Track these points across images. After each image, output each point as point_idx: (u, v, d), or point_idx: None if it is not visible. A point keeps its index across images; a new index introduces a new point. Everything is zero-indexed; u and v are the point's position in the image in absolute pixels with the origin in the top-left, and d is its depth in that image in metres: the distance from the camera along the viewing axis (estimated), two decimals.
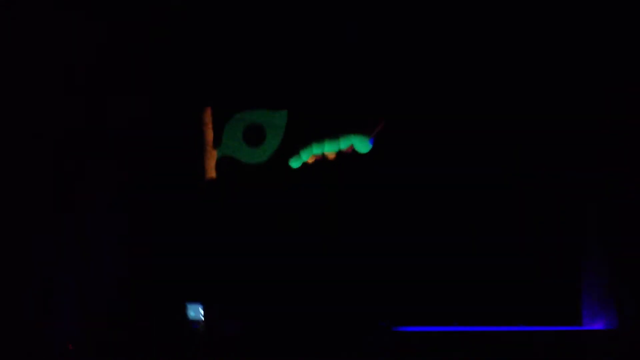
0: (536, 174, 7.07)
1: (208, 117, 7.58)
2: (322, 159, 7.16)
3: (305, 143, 7.13)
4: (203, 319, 7.35)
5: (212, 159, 7.59)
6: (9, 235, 7.04)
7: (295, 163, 7.26)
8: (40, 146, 7.24)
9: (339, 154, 7.13)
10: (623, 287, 6.67)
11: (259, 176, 7.49)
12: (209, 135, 7.59)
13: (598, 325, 6.75)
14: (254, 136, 7.56)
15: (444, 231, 7.17)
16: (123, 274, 7.49)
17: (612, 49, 6.79)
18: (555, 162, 7.05)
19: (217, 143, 7.59)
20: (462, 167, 7.06)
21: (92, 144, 7.41)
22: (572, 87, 6.97)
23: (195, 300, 7.41)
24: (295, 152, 7.23)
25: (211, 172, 7.58)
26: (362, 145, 7.10)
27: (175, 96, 7.51)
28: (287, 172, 7.43)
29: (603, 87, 6.84)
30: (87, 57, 7.40)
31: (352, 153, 7.13)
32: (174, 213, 7.47)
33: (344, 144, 7.08)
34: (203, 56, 7.51)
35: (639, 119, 6.70)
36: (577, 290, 6.96)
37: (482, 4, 7.01)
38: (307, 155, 7.16)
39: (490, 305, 7.06)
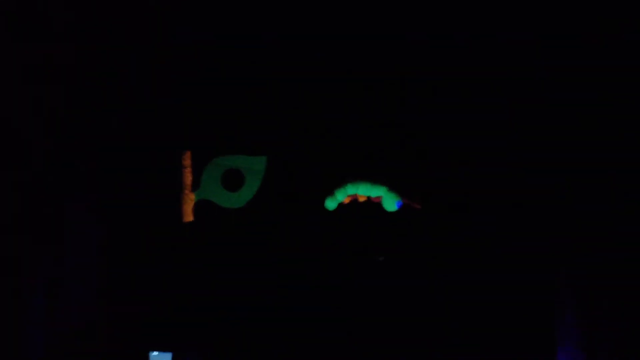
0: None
1: (187, 160, 7.52)
2: (355, 200, 7.19)
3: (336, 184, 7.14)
4: None
5: (190, 202, 7.52)
6: None
7: (331, 204, 7.23)
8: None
9: (369, 200, 7.17)
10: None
11: (237, 221, 7.49)
12: (188, 178, 7.52)
13: None
14: (233, 181, 7.55)
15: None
16: (92, 318, 7.29)
17: None
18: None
19: (195, 186, 7.53)
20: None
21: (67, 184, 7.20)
22: None
23: (164, 349, 7.32)
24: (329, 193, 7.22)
25: (188, 216, 7.52)
26: (389, 202, 7.15)
27: (155, 139, 7.40)
28: (264, 218, 7.48)
29: None
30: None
31: (378, 205, 7.17)
32: (150, 255, 7.36)
33: (375, 192, 7.12)
34: (184, 99, 7.44)
35: None
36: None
37: None
38: (343, 196, 7.16)
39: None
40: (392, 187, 7.10)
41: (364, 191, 7.13)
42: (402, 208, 7.09)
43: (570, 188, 6.90)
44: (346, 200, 7.20)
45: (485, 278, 7.16)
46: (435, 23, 7.08)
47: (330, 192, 7.29)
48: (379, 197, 7.14)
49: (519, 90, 7.09)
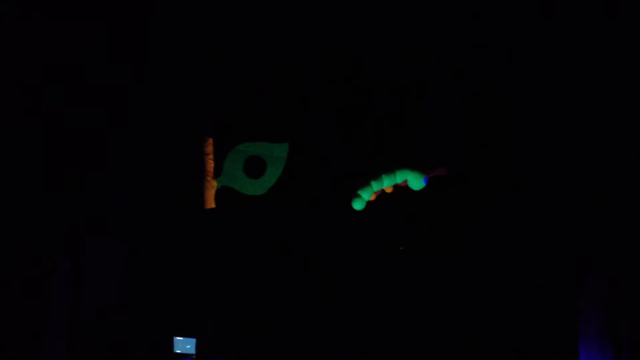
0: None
1: (210, 147, 7.53)
2: (381, 194, 7.14)
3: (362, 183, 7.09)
4: (195, 354, 7.25)
5: (212, 189, 7.52)
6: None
7: (358, 205, 7.14)
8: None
9: (396, 187, 7.12)
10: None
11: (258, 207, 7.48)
12: (210, 165, 7.53)
13: None
14: (255, 168, 7.54)
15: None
16: (117, 303, 7.31)
17: None
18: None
19: (217, 173, 7.53)
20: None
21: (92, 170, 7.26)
22: None
23: (187, 334, 7.30)
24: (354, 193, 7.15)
25: (211, 203, 7.51)
26: (416, 182, 7.10)
27: (178, 127, 7.41)
28: (285, 204, 7.47)
29: None
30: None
31: (406, 187, 7.11)
32: (172, 243, 7.36)
33: (400, 177, 7.07)
34: (207, 87, 7.45)
35: None
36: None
37: None
38: (369, 195, 7.11)
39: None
40: (414, 167, 7.04)
41: (388, 182, 7.06)
42: (429, 182, 7.02)
43: (596, 188, 6.77)
44: (372, 198, 7.15)
45: (509, 277, 7.07)
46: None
47: (351, 181, 7.23)
48: (404, 181, 7.08)
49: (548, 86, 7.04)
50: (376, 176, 7.03)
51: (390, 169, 7.04)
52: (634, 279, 6.71)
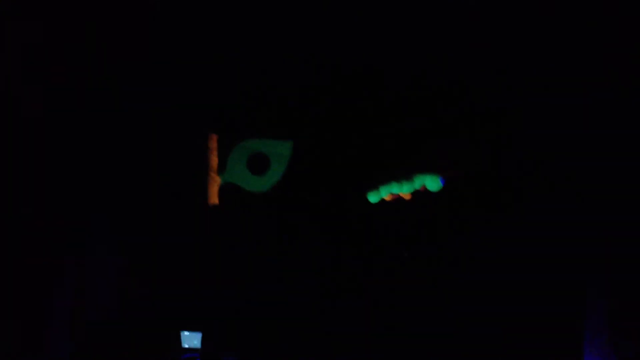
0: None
1: (214, 143, 7.56)
2: (398, 199, 7.26)
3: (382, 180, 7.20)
4: (201, 348, 7.34)
5: (215, 185, 7.57)
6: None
7: (373, 198, 7.32)
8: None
9: (415, 193, 7.25)
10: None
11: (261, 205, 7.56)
12: (214, 161, 7.57)
13: None
14: (258, 165, 7.61)
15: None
16: (120, 298, 7.35)
17: None
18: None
19: (221, 170, 7.58)
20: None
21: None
22: None
23: (193, 329, 7.38)
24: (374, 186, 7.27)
25: (214, 199, 7.56)
26: (433, 184, 7.23)
27: (183, 122, 7.42)
28: (289, 203, 7.57)
29: None
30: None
31: (424, 192, 7.25)
32: (175, 237, 7.40)
33: (418, 183, 7.23)
34: (212, 83, 7.46)
35: None
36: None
37: None
38: (386, 193, 7.24)
39: None
40: (431, 170, 7.20)
41: (408, 188, 7.23)
42: (446, 183, 7.16)
43: (602, 192, 6.82)
44: (388, 198, 7.30)
45: (514, 279, 7.07)
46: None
47: (356, 178, 7.37)
48: (422, 186, 7.23)
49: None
50: (397, 179, 7.19)
51: (408, 176, 7.20)
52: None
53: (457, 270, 7.28)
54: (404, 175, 7.21)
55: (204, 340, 7.31)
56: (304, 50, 7.36)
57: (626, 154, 6.71)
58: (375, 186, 7.31)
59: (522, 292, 7.02)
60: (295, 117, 7.52)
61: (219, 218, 7.54)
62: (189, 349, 7.29)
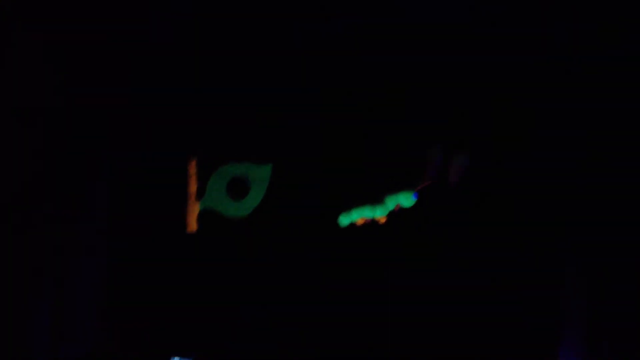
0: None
1: (193, 168, 7.48)
2: (371, 223, 7.16)
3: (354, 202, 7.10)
4: None
5: (194, 211, 7.48)
6: None
7: (345, 220, 7.20)
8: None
9: (390, 215, 7.15)
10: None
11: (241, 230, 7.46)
12: (193, 187, 7.48)
13: None
14: (238, 189, 7.51)
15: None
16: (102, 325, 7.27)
17: None
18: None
19: (200, 195, 7.49)
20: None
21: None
22: None
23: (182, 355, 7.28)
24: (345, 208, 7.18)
25: (193, 225, 7.47)
26: (406, 200, 7.11)
27: (161, 147, 7.37)
28: (269, 228, 7.46)
29: None
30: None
31: (399, 210, 7.15)
32: (155, 264, 7.32)
33: (391, 204, 7.12)
34: (190, 107, 7.41)
35: None
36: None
37: None
38: (358, 216, 7.14)
39: None
40: (404, 187, 7.10)
41: (381, 212, 7.14)
42: (419, 196, 7.07)
43: (581, 184, 6.88)
44: (360, 222, 7.20)
45: (492, 276, 7.04)
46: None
47: (336, 203, 7.26)
48: (397, 206, 7.14)
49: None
50: (370, 203, 7.08)
51: (378, 199, 7.10)
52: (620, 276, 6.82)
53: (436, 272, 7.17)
54: (377, 198, 7.10)
55: None
56: (282, 75, 7.33)
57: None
58: (348, 209, 7.19)
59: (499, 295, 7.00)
60: (274, 141, 7.44)
61: (198, 244, 7.44)
62: None
